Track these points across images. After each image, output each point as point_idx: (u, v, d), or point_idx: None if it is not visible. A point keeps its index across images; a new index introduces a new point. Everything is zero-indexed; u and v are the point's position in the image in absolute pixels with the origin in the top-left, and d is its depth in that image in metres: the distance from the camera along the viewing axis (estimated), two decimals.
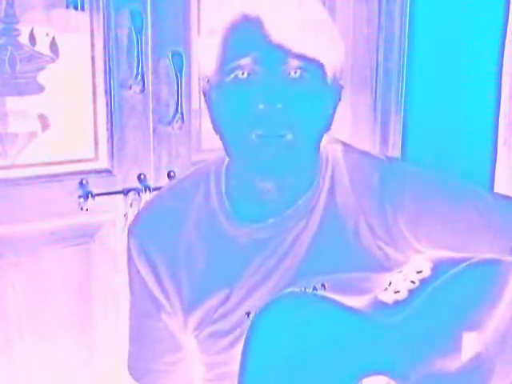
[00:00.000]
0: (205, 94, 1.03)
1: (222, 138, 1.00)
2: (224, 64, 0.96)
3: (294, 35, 0.93)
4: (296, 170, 1.00)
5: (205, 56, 1.00)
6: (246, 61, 0.93)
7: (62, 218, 1.68)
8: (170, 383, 1.13)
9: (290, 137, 0.95)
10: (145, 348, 1.12)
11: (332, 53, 0.98)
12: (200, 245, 1.05)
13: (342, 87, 1.03)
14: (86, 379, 1.76)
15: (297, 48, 0.93)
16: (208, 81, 1.01)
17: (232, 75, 0.95)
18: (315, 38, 0.95)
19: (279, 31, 0.92)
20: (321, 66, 0.96)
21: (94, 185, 1.70)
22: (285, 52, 0.92)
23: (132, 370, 1.15)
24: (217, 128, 1.00)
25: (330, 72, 0.98)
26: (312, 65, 0.95)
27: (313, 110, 0.96)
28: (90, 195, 1.67)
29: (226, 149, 1.00)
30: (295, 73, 0.94)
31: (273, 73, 0.93)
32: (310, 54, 0.94)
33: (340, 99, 1.04)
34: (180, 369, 1.13)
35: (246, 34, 0.94)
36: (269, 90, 0.93)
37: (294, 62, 0.93)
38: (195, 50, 1.77)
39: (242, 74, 0.94)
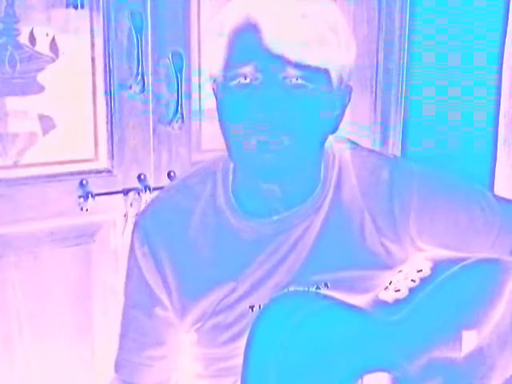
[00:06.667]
0: (214, 93, 1.04)
1: (225, 142, 1.01)
2: (228, 70, 0.97)
3: (293, 45, 0.93)
4: (298, 173, 1.01)
5: (212, 57, 1.01)
6: (247, 69, 0.94)
7: (62, 218, 1.68)
8: (148, 378, 1.13)
9: (286, 142, 0.95)
10: (130, 339, 1.11)
11: (339, 57, 0.98)
12: (205, 239, 1.06)
13: (351, 89, 1.03)
14: (86, 379, 1.76)
15: (296, 58, 0.93)
16: (215, 80, 1.02)
17: (236, 81, 0.96)
18: (318, 47, 0.94)
19: (278, 41, 0.92)
20: (324, 72, 0.96)
21: (94, 185, 1.70)
22: (283, 62, 0.93)
23: (114, 360, 1.14)
24: (222, 130, 1.01)
25: (335, 76, 0.98)
26: (313, 73, 0.94)
27: (312, 115, 0.96)
28: (90, 195, 1.67)
29: (229, 153, 1.01)
30: (296, 80, 0.94)
31: (272, 81, 0.94)
32: (312, 63, 0.94)
33: (349, 100, 1.04)
34: (161, 365, 1.12)
35: (248, 41, 0.94)
36: (267, 98, 0.93)
37: (293, 71, 0.93)
38: (197, 50, 1.78)
39: (245, 79, 0.95)
